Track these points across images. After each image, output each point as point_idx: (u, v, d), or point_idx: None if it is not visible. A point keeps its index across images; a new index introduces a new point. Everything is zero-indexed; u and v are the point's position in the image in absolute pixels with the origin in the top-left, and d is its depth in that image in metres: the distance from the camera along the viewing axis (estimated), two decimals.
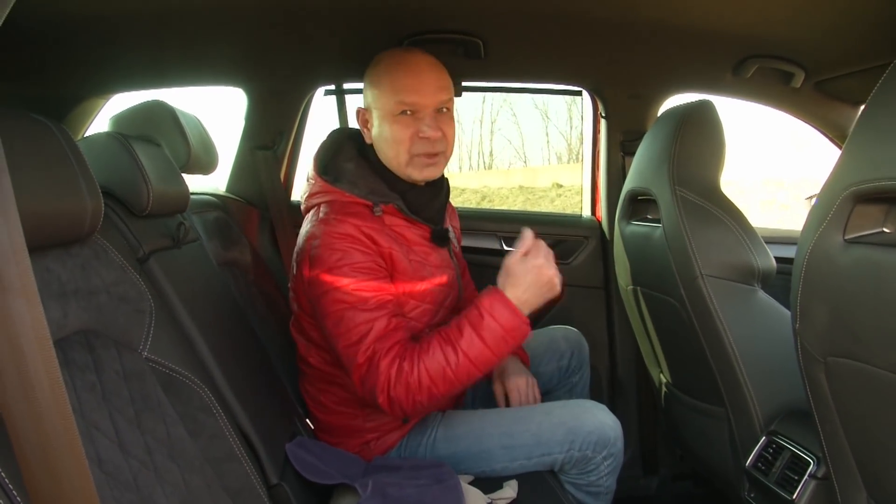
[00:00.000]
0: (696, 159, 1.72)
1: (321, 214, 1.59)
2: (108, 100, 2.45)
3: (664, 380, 2.10)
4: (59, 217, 0.96)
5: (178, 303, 1.33)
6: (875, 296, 1.01)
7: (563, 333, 2.11)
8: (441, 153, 1.63)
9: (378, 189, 1.63)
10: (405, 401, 1.45)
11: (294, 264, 1.65)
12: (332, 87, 2.46)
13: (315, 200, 1.65)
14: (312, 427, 1.72)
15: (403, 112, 1.58)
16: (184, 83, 2.38)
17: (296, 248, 1.64)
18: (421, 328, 1.65)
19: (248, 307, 1.87)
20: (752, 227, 1.66)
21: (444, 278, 1.70)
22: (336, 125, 2.48)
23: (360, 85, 2.48)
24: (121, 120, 1.72)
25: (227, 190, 2.49)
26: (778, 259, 1.68)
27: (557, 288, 1.52)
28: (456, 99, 2.10)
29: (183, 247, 1.51)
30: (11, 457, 0.64)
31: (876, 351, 1.03)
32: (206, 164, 1.86)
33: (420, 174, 1.63)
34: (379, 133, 1.62)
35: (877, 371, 1.03)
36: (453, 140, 1.66)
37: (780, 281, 1.60)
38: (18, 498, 0.70)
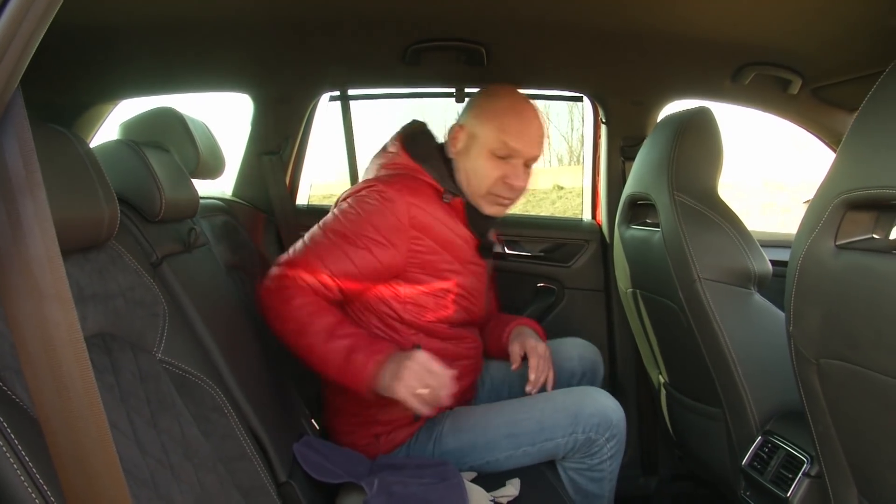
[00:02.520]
0: (695, 165, 1.75)
1: (389, 178, 1.69)
2: (115, 105, 2.47)
3: (663, 381, 2.13)
4: (78, 224, 0.99)
5: (190, 306, 1.36)
6: (865, 300, 1.04)
7: (579, 351, 2.02)
8: (514, 199, 1.77)
9: (453, 185, 1.73)
10: (275, 296, 1.59)
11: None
12: (338, 93, 2.49)
13: (387, 170, 1.74)
14: (319, 428, 1.76)
15: (501, 155, 1.68)
16: (191, 89, 2.40)
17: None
18: (435, 322, 1.72)
19: (255, 309, 1.90)
20: (748, 232, 1.69)
21: (471, 287, 1.77)
22: (341, 131, 2.53)
23: (364, 91, 2.53)
24: (131, 126, 1.76)
25: (234, 194, 2.52)
26: (774, 262, 1.72)
27: (421, 408, 1.48)
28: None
29: (193, 251, 1.54)
30: (46, 458, 0.68)
31: (866, 353, 1.06)
32: (213, 168, 1.89)
33: (488, 210, 1.74)
34: (468, 160, 1.72)
35: (867, 373, 1.07)
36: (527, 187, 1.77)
37: (775, 283, 1.64)
38: (52, 498, 0.73)
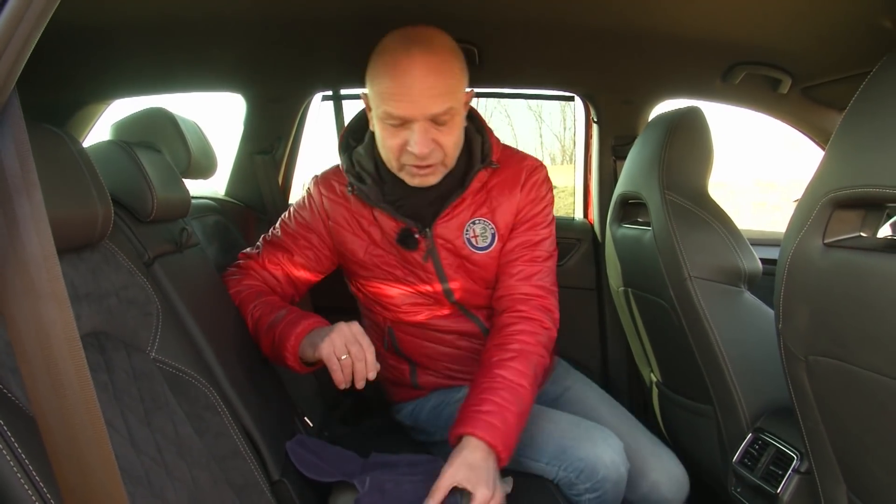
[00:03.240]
0: (685, 164, 1.76)
1: (321, 172, 1.79)
2: (108, 105, 2.48)
3: (654, 379, 2.14)
4: (72, 224, 1.00)
5: (182, 306, 1.37)
6: (853, 297, 1.05)
7: (659, 476, 1.71)
8: (435, 164, 1.54)
9: (362, 171, 1.67)
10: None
11: None
12: (330, 92, 2.50)
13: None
14: (311, 424, 1.76)
15: (392, 123, 1.48)
16: (184, 89, 2.41)
17: None
18: (398, 312, 1.74)
19: None
20: (738, 230, 1.71)
21: (407, 277, 1.70)
22: (333, 130, 2.54)
23: (357, 91, 2.54)
24: (122, 127, 1.76)
25: (226, 194, 2.53)
26: (764, 260, 1.73)
27: (338, 374, 1.38)
28: None
29: (185, 251, 1.55)
30: (43, 456, 0.68)
31: (853, 350, 1.08)
32: (205, 168, 1.90)
33: (411, 181, 1.58)
34: (374, 129, 1.57)
35: (854, 369, 1.08)
36: (454, 146, 1.55)
37: (766, 281, 1.65)
38: (49, 496, 0.74)
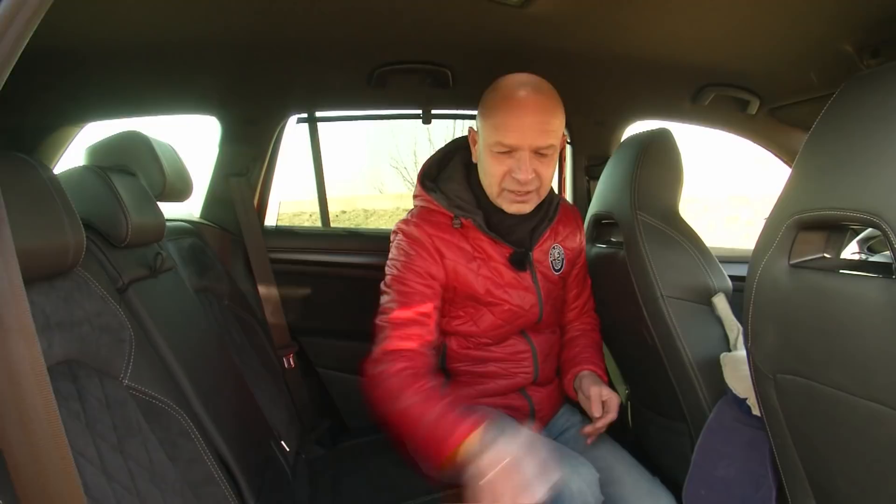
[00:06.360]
0: (656, 185, 1.78)
1: (411, 215, 1.78)
2: (81, 128, 2.46)
3: (629, 394, 2.15)
4: (43, 253, 0.99)
5: (156, 331, 1.36)
6: (817, 317, 1.08)
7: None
8: (532, 192, 1.68)
9: (466, 204, 1.74)
10: (373, 384, 1.54)
11: None
12: (305, 115, 2.50)
13: (415, 202, 1.83)
14: (288, 449, 1.75)
15: (500, 151, 1.63)
16: (158, 112, 2.40)
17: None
18: (486, 340, 1.77)
19: (224, 332, 1.90)
20: (708, 250, 1.73)
21: (516, 299, 1.76)
22: (309, 152, 2.54)
23: (332, 113, 2.55)
24: (97, 151, 1.76)
25: (202, 216, 2.51)
26: (734, 278, 1.75)
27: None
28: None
29: (160, 275, 1.54)
30: (7, 487, 0.68)
31: (818, 368, 1.10)
32: (180, 191, 1.89)
33: (508, 208, 1.71)
34: (479, 160, 1.72)
35: (819, 387, 1.10)
36: (550, 178, 1.70)
37: (736, 298, 1.67)
38: None
